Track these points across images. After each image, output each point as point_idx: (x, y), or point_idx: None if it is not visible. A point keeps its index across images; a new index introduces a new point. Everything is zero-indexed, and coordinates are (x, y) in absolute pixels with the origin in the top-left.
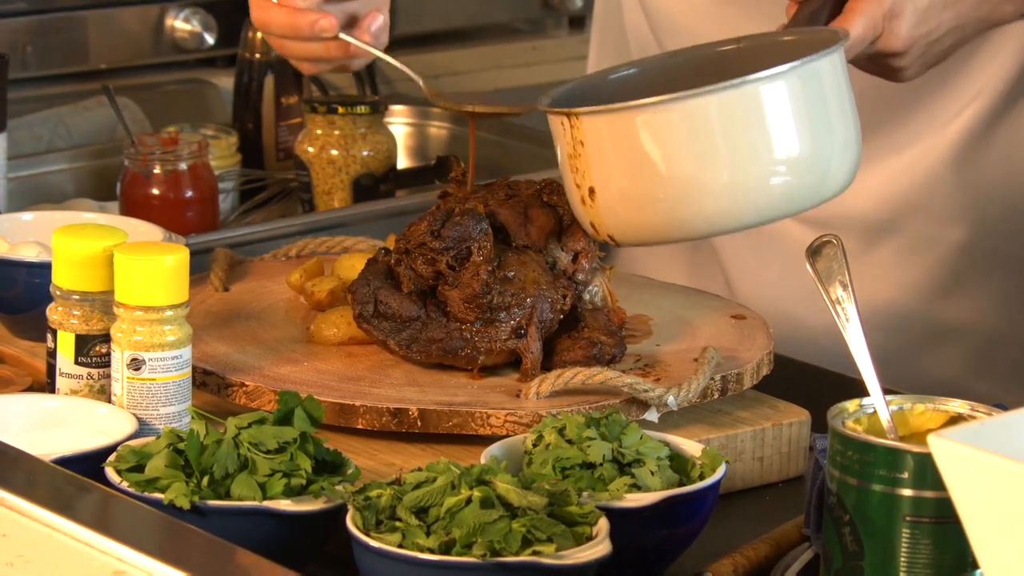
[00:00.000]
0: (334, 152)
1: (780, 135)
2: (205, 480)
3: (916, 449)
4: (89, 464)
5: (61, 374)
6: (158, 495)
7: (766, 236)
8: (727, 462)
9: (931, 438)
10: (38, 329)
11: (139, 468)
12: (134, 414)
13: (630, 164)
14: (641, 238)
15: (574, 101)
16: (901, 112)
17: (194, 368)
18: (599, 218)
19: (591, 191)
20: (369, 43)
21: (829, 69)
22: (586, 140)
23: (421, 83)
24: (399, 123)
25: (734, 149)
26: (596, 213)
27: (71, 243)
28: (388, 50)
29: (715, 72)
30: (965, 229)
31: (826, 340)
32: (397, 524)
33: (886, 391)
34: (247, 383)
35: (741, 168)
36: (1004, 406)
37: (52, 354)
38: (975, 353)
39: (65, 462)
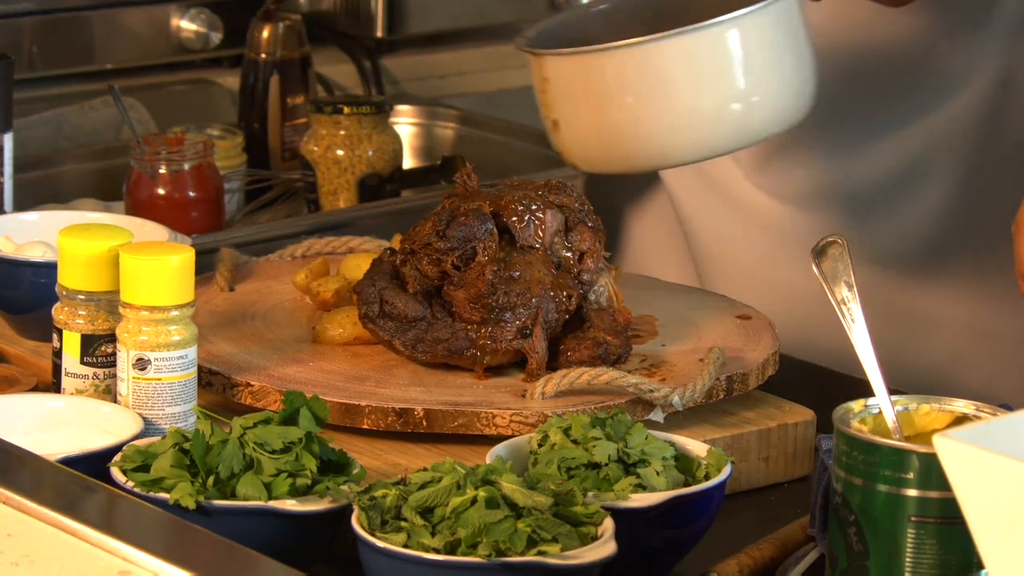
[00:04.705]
0: (340, 152)
1: (731, 78)
2: (210, 480)
3: (921, 449)
4: (94, 464)
5: (67, 374)
6: (163, 495)
7: (743, 212)
8: (732, 462)
9: (936, 438)
10: (44, 329)
11: (144, 468)
12: (139, 414)
13: (587, 103)
14: (600, 169)
15: (557, 34)
16: (892, 94)
17: (200, 368)
18: (563, 147)
19: (555, 123)
20: None
21: (783, 11)
22: (550, 78)
23: None
24: (404, 123)
25: (682, 91)
26: (561, 142)
27: (77, 243)
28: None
29: (679, 11)
30: (948, 217)
31: (805, 333)
32: (402, 524)
33: (891, 391)
34: (252, 383)
35: (692, 109)
36: (1009, 406)
37: (58, 354)
38: (958, 345)
39: (70, 462)
